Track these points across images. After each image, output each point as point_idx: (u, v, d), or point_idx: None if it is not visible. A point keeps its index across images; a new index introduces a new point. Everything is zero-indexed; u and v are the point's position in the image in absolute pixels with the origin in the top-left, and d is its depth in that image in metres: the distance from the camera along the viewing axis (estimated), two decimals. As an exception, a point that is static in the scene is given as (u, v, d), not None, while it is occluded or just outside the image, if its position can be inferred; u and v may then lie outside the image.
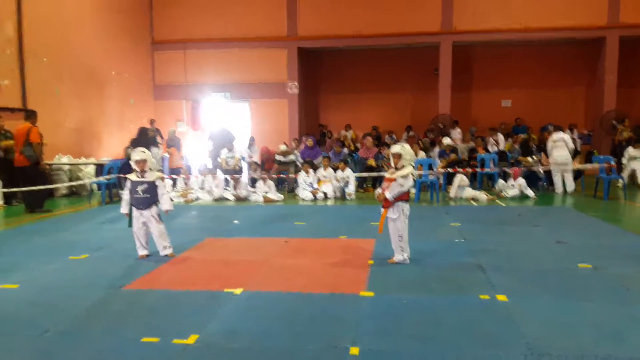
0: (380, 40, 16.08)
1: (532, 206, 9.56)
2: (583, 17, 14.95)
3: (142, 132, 12.20)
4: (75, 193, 11.89)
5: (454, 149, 12.47)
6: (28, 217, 8.84)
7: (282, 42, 16.16)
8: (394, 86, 17.54)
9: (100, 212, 9.39)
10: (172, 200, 6.69)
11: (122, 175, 10.41)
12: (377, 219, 5.66)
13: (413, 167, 5.36)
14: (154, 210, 5.75)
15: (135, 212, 5.74)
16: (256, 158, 13.14)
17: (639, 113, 15.45)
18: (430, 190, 10.53)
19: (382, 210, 5.35)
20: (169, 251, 5.81)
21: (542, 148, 12.18)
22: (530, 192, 10.35)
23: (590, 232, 6.95)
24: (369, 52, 17.33)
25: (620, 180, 10.88)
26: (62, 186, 11.03)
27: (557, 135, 11.06)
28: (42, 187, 9.18)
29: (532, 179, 11.21)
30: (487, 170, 11.48)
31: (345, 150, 13.19)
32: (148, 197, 5.71)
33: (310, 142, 12.78)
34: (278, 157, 12.43)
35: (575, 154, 11.24)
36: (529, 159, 11.90)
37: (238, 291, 4.52)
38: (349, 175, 10.85)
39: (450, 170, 11.16)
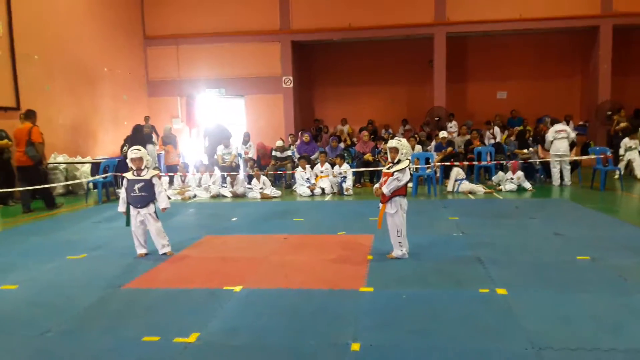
0: (374, 33, 16.03)
1: (529, 198, 9.59)
2: (576, 6, 14.95)
3: (137, 129, 12.14)
4: (71, 192, 11.83)
5: (450, 142, 12.48)
6: (24, 217, 8.80)
7: (275, 35, 16.09)
8: (389, 79, 17.50)
9: (97, 211, 9.36)
10: (169, 198, 6.67)
11: (118, 173, 10.38)
12: (375, 214, 5.66)
13: (410, 161, 5.35)
14: (151, 208, 5.73)
15: (132, 210, 5.72)
16: (252, 154, 13.11)
17: (633, 102, 15.47)
18: (428, 184, 10.54)
19: (381, 205, 5.35)
20: (167, 249, 5.80)
21: (537, 140, 12.20)
22: (527, 185, 10.38)
23: (587, 224, 6.98)
24: (363, 44, 17.28)
25: (617, 171, 10.91)
26: (59, 185, 10.98)
27: (560, 126, 11.07)
28: (46, 185, 9.34)
29: (528, 171, 11.23)
30: (484, 163, 11.49)
31: (342, 145, 13.17)
32: (145, 195, 5.69)
33: (306, 137, 12.75)
34: (275, 153, 12.41)
35: (572, 145, 11.26)
36: (525, 151, 11.93)
37: (238, 289, 4.51)
38: (347, 170, 10.85)
39: (447, 163, 11.16)
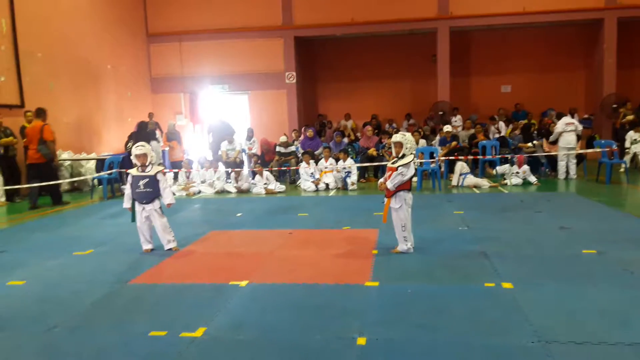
0: (377, 27, 15.95)
1: (535, 192, 9.56)
2: (581, -2, 14.86)
3: (141, 126, 12.16)
4: (77, 189, 11.87)
5: (454, 136, 12.45)
6: (31, 213, 8.84)
7: (277, 31, 16.04)
8: (393, 74, 17.43)
9: (102, 207, 9.39)
10: (174, 194, 6.68)
11: (123, 170, 10.41)
12: (380, 209, 5.66)
13: (414, 155, 5.34)
14: (156, 204, 5.75)
15: (137, 206, 5.74)
16: (255, 150, 13.11)
17: (639, 95, 15.36)
18: (432, 179, 10.52)
19: (385, 200, 5.34)
20: (173, 245, 5.81)
21: (542, 133, 12.15)
22: (532, 179, 10.35)
23: (593, 217, 6.96)
24: (366, 39, 17.22)
25: (623, 165, 10.86)
26: (64, 182, 11.02)
27: (568, 119, 11.04)
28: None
29: (533, 164, 11.19)
30: (488, 157, 11.45)
31: (346, 140, 13.16)
32: (150, 191, 5.70)
33: (310, 132, 12.75)
34: (278, 149, 12.41)
35: (577, 138, 11.22)
36: (529, 144, 11.89)
37: (243, 283, 4.53)
38: (351, 165, 10.83)
39: (451, 157, 11.14)
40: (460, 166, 10.51)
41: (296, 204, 9.12)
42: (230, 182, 10.95)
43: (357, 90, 17.72)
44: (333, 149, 11.94)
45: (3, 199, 9.89)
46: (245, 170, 11.53)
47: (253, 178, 11.03)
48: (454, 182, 10.46)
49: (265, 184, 10.61)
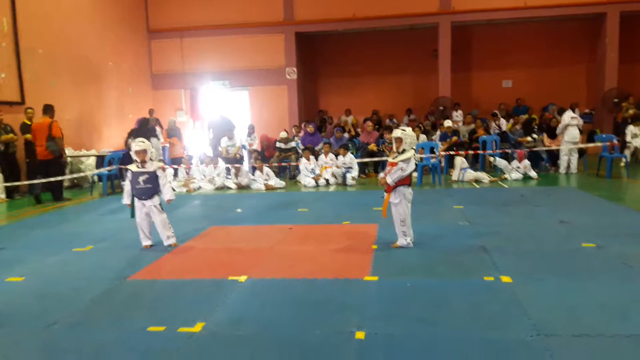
0: (378, 22, 15.91)
1: (535, 186, 9.55)
2: (583, -8, 14.81)
3: (143, 122, 12.15)
4: (76, 185, 11.89)
5: (455, 132, 12.42)
6: (30, 210, 8.86)
7: (278, 27, 16.01)
8: (394, 69, 17.39)
9: (102, 203, 9.40)
10: (174, 190, 6.69)
11: (123, 166, 10.41)
12: (379, 204, 5.65)
13: (415, 151, 5.33)
14: (156, 200, 5.75)
15: (137, 202, 5.74)
16: (256, 146, 13.10)
17: (640, 89, 15.33)
18: (433, 174, 10.50)
19: (385, 194, 5.34)
20: (172, 241, 5.81)
21: (543, 128, 12.13)
22: (533, 173, 10.33)
23: (593, 211, 6.94)
24: (367, 35, 17.16)
25: (623, 159, 10.84)
26: (64, 178, 11.01)
27: (572, 114, 11.03)
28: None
29: (534, 159, 11.17)
30: (489, 152, 11.43)
31: (346, 135, 13.14)
32: (150, 188, 5.70)
33: (310, 128, 12.73)
34: (279, 145, 12.39)
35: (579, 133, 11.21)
36: (529, 138, 11.87)
37: (243, 279, 4.53)
38: (352, 160, 10.82)
39: (451, 152, 11.12)
40: (460, 161, 10.50)
41: (296, 199, 9.12)
42: (230, 178, 10.95)
43: (357, 86, 17.68)
44: (333, 144, 11.93)
45: (3, 195, 9.90)
46: (246, 166, 11.52)
47: (253, 174, 11.03)
48: (455, 177, 10.45)
49: (265, 179, 10.60)
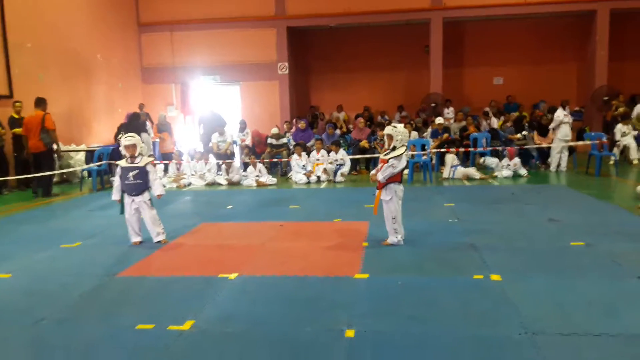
0: (370, 18, 15.88)
1: (525, 184, 9.60)
2: (574, -11, 14.89)
3: (133, 116, 12.05)
4: (65, 180, 11.77)
5: (446, 129, 12.45)
6: (18, 205, 8.76)
7: (270, 21, 15.93)
8: (386, 65, 17.38)
9: (91, 199, 9.32)
10: (164, 186, 6.65)
11: (112, 161, 10.33)
12: (371, 201, 5.66)
13: (406, 147, 5.33)
14: (145, 196, 5.70)
15: (127, 198, 5.69)
16: (248, 142, 13.05)
17: (630, 87, 15.42)
18: (424, 171, 10.53)
19: (377, 191, 5.34)
20: (162, 237, 5.78)
21: (533, 126, 12.19)
22: (523, 171, 10.38)
23: (582, 210, 7.00)
24: (359, 30, 17.13)
25: (612, 157, 10.92)
26: (53, 174, 10.91)
27: (564, 111, 11.12)
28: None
29: (524, 156, 11.23)
30: (479, 149, 11.47)
31: (338, 132, 13.13)
32: (140, 183, 5.65)
33: (302, 124, 12.70)
34: (270, 141, 12.35)
35: (569, 130, 11.30)
36: (519, 135, 11.94)
37: (233, 276, 4.51)
38: (344, 156, 10.80)
39: (443, 150, 11.15)
40: (451, 158, 10.53)
41: (287, 196, 9.11)
42: (221, 174, 10.90)
43: (349, 82, 17.66)
44: (325, 140, 11.91)
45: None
46: (237, 162, 11.48)
47: (245, 170, 10.99)
48: (445, 174, 10.47)
49: (257, 176, 10.56)
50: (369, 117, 15.13)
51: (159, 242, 5.74)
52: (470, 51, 17.23)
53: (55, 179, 11.40)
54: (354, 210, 7.30)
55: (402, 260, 4.86)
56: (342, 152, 10.89)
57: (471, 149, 11.44)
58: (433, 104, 15.37)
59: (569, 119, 11.01)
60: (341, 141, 12.23)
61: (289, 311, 3.73)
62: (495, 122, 13.71)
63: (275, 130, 12.41)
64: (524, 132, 11.95)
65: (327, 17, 15.86)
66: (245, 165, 11.23)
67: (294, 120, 14.04)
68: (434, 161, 11.30)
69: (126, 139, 5.67)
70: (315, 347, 3.18)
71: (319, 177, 10.58)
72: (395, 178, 5.24)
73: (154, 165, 5.94)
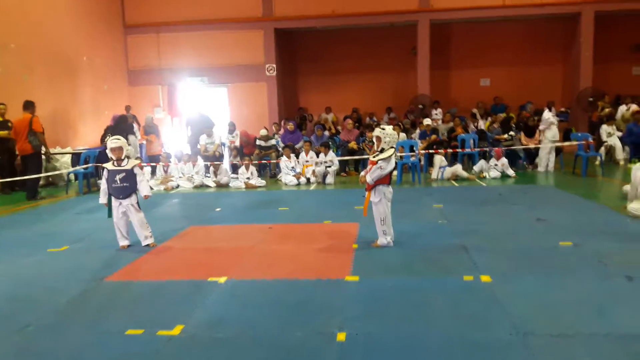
0: (357, 20, 15.93)
1: (512, 185, 9.67)
2: (559, -8, 15.07)
3: (120, 119, 11.93)
4: (51, 183, 11.62)
5: (434, 130, 12.50)
6: (3, 209, 8.63)
7: (257, 23, 15.90)
8: (374, 67, 17.44)
9: (78, 202, 9.21)
10: (151, 188, 6.59)
11: (99, 164, 10.22)
12: (360, 202, 5.66)
13: (395, 149, 5.33)
14: (133, 199, 5.64)
15: (114, 202, 5.63)
16: (238, 143, 12.98)
17: (614, 88, 15.64)
18: (412, 172, 10.56)
19: (366, 193, 5.34)
20: (150, 241, 5.72)
21: (520, 127, 12.28)
22: (510, 172, 10.45)
23: (569, 210, 7.05)
24: (347, 32, 17.17)
25: (598, 157, 11.04)
26: (39, 177, 10.77)
27: (551, 113, 11.24)
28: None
29: (512, 157, 11.31)
30: (467, 150, 11.53)
31: (327, 133, 13.12)
32: (127, 186, 5.59)
33: (291, 126, 12.67)
34: (259, 142, 12.30)
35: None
36: (505, 136, 12.03)
37: (222, 280, 4.47)
38: (332, 158, 10.79)
39: (431, 151, 11.19)
40: (439, 159, 10.57)
41: (277, 198, 9.08)
42: (209, 177, 10.83)
43: (338, 84, 17.69)
44: (314, 142, 11.90)
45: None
46: (225, 164, 11.41)
47: (233, 171, 10.93)
48: (434, 175, 10.51)
49: (248, 178, 10.49)
50: (357, 118, 15.15)
51: (147, 245, 5.68)
52: (458, 53, 17.36)
53: (41, 182, 11.26)
54: (343, 211, 7.29)
55: (392, 262, 4.85)
56: (331, 154, 10.87)
57: (459, 150, 11.50)
58: (421, 106, 15.43)
59: (556, 119, 11.13)
60: (330, 143, 12.22)
61: (280, 315, 3.71)
62: (482, 124, 13.80)
63: (264, 132, 12.37)
64: (511, 133, 12.05)
65: (314, 18, 15.87)
66: (234, 167, 11.16)
67: (282, 122, 14.01)
68: (422, 162, 11.33)
69: (112, 142, 5.61)
70: (307, 351, 3.16)
71: (308, 179, 10.56)
72: (384, 180, 5.24)
73: (141, 167, 5.88)
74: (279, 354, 3.14)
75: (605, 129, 12.21)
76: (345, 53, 17.39)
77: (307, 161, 10.80)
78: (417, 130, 12.98)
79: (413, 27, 15.86)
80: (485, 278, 4.29)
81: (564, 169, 11.16)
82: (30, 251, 5.68)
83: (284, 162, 10.87)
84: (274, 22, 15.87)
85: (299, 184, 10.45)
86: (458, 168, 10.43)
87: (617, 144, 11.90)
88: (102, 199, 5.68)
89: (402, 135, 12.20)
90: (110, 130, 11.14)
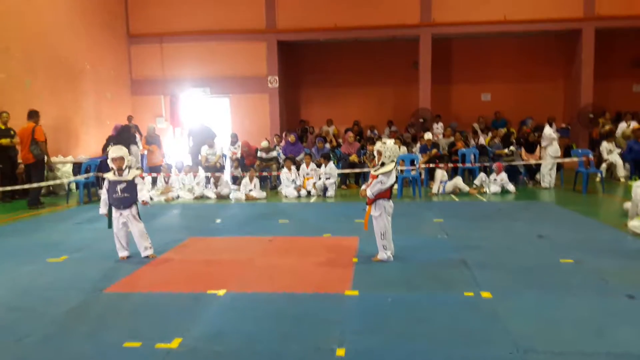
0: (360, 33, 16.06)
1: (513, 201, 9.66)
2: (560, 9, 15.17)
3: (123, 129, 11.97)
4: (52, 192, 11.62)
5: (435, 144, 12.53)
6: (3, 217, 8.62)
7: (260, 35, 16.02)
8: (375, 80, 17.53)
9: (78, 212, 9.20)
10: (151, 199, 6.58)
11: (100, 174, 10.24)
12: (361, 216, 5.65)
13: (396, 163, 5.34)
14: (134, 209, 5.64)
15: (115, 212, 5.62)
16: (239, 155, 13.00)
17: (615, 105, 15.70)
18: (413, 186, 10.56)
19: (367, 207, 5.34)
20: (150, 252, 5.70)
21: (520, 142, 12.31)
22: (511, 187, 10.46)
23: (570, 226, 7.05)
24: (349, 45, 17.29)
25: (599, 174, 11.05)
26: (40, 185, 10.78)
27: (552, 129, 11.29)
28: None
29: (512, 173, 11.32)
30: (468, 165, 11.55)
31: (328, 146, 13.15)
32: (128, 197, 5.59)
33: (292, 138, 12.70)
34: (260, 154, 12.33)
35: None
36: (505, 150, 12.05)
37: (222, 292, 4.46)
38: (332, 170, 10.79)
39: (431, 165, 11.21)
40: (441, 174, 10.59)
41: (277, 210, 9.07)
42: (210, 188, 10.83)
43: (339, 96, 17.76)
44: (315, 155, 11.92)
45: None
46: (227, 175, 11.41)
47: (234, 183, 10.92)
48: (435, 189, 10.52)
49: (250, 190, 10.48)
50: (358, 131, 15.19)
51: (146, 257, 5.67)
52: (459, 67, 17.45)
53: (42, 191, 11.26)
54: (344, 225, 7.29)
55: (392, 277, 4.84)
56: (330, 165, 10.87)
57: (459, 165, 11.51)
58: (421, 120, 15.48)
59: (556, 135, 11.17)
60: (330, 155, 12.24)
61: (279, 329, 3.69)
62: (483, 139, 13.83)
63: (265, 144, 12.39)
64: (512, 148, 12.07)
65: (317, 31, 16.00)
66: (235, 179, 11.16)
67: (283, 134, 14.04)
68: (423, 176, 11.34)
69: (113, 151, 5.61)
70: (306, 366, 3.14)
71: (309, 192, 10.56)
72: (385, 194, 5.24)
73: (142, 178, 5.87)
74: (277, 369, 3.12)
75: (605, 146, 12.23)
76: (347, 66, 17.49)
77: (308, 173, 10.80)
78: (418, 144, 13.00)
79: (415, 41, 15.97)
80: (485, 294, 4.27)
81: (564, 185, 11.16)
82: (30, 260, 5.67)
83: (284, 174, 10.87)
84: (277, 34, 15.98)
85: (299, 197, 10.45)
86: (458, 180, 10.45)
87: (618, 161, 11.93)
88: (103, 209, 5.67)
89: (403, 149, 12.24)
90: (112, 140, 11.18)
